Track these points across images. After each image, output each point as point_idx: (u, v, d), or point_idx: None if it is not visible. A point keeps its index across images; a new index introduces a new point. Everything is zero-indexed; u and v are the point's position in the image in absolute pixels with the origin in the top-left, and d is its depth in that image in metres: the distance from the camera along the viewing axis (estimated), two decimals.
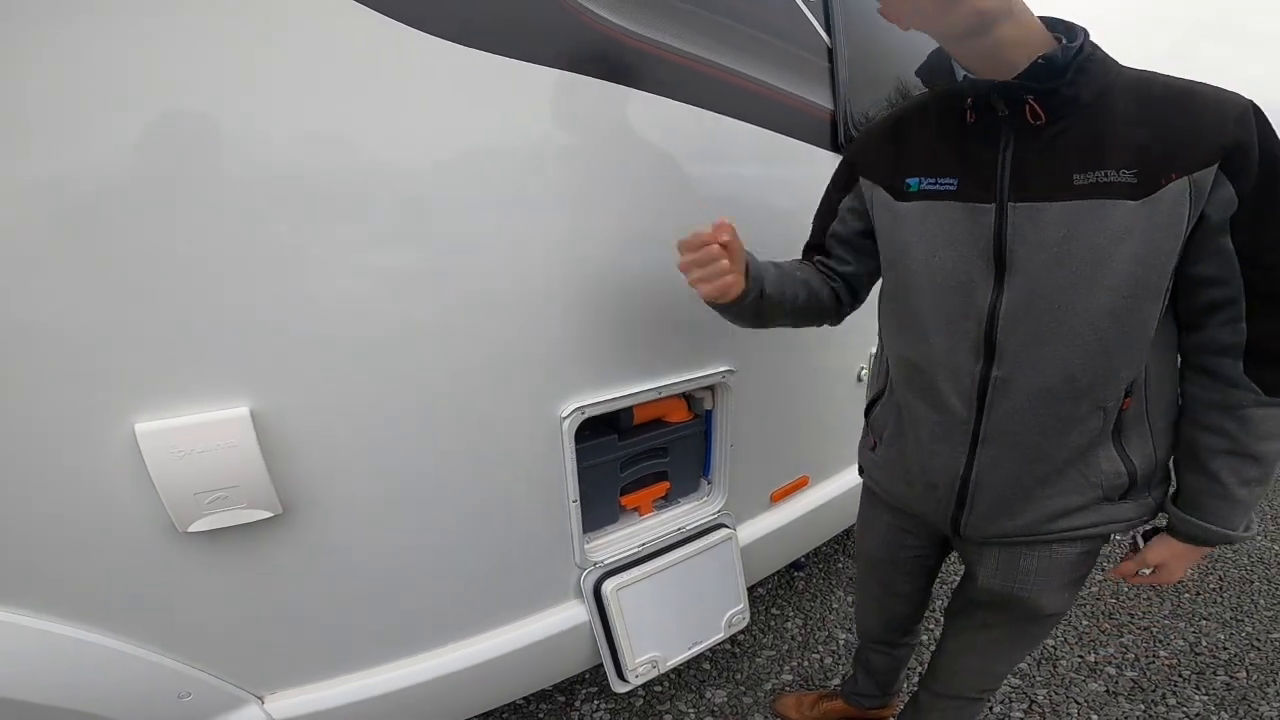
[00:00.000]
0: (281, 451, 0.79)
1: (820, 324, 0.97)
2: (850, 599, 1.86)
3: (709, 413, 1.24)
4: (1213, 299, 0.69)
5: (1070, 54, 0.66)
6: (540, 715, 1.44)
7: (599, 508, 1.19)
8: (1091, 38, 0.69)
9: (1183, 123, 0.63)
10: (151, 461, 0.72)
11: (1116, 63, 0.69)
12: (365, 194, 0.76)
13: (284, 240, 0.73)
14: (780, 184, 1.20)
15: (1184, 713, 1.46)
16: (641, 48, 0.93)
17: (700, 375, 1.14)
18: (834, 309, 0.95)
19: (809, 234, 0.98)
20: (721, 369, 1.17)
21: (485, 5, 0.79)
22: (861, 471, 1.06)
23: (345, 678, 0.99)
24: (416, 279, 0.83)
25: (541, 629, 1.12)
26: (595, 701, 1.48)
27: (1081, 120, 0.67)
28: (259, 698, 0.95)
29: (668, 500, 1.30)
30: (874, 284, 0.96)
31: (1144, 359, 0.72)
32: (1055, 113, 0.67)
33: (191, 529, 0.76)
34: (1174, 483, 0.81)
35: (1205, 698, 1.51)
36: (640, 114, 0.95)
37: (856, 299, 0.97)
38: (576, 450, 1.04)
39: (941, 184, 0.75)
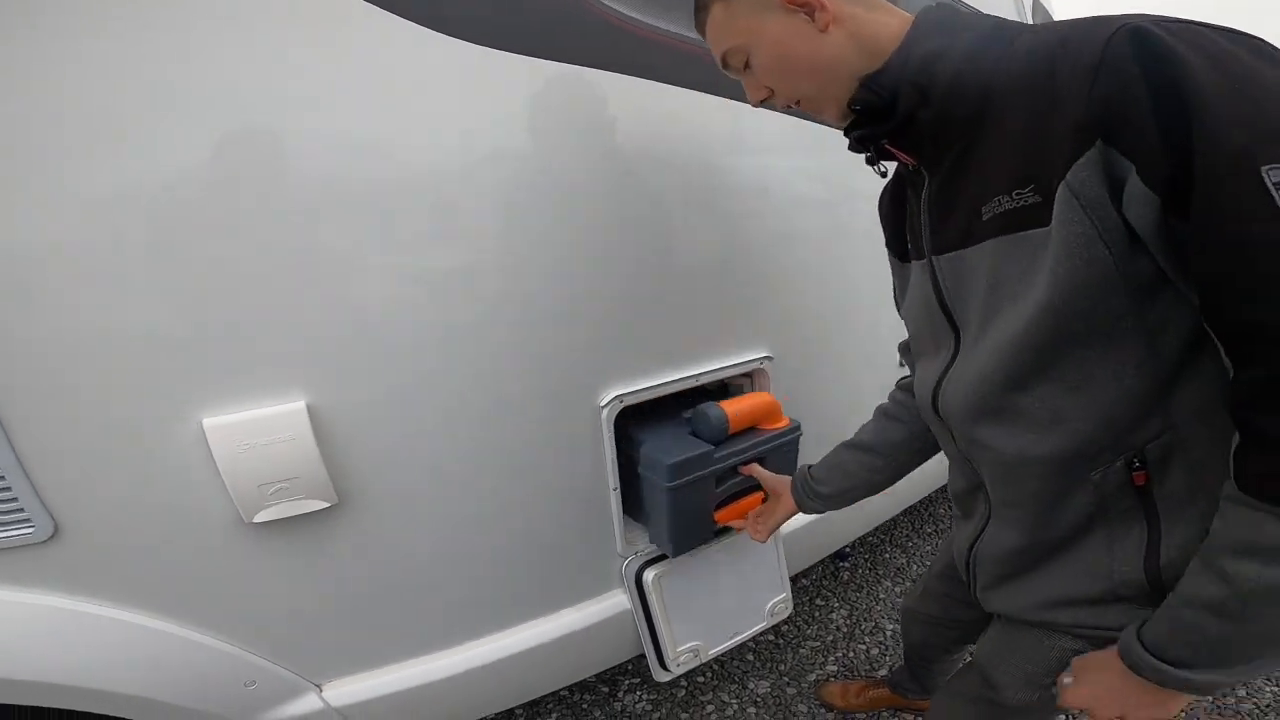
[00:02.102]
0: (336, 444, 0.82)
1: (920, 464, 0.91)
2: (897, 589, 1.84)
3: None
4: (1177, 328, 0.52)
5: (898, 69, 0.54)
6: (584, 705, 1.46)
7: (691, 527, 1.10)
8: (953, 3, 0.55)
9: (1039, 106, 0.47)
10: (219, 454, 0.75)
11: (1010, 32, 0.52)
12: (402, 198, 0.79)
13: (331, 245, 0.76)
14: (810, 172, 1.20)
15: None
16: (661, 40, 0.94)
17: (738, 363, 1.14)
18: (921, 446, 0.88)
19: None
20: (759, 356, 1.17)
21: (506, 7, 0.81)
22: None
23: (398, 665, 1.02)
24: (454, 278, 0.85)
25: (585, 617, 1.14)
26: (638, 692, 1.49)
27: (978, 133, 0.52)
28: (317, 685, 0.98)
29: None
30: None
31: (1146, 420, 0.52)
32: (938, 140, 0.55)
33: (256, 519, 0.80)
34: None
35: None
36: (664, 106, 0.97)
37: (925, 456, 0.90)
38: (667, 466, 1.02)
39: (898, 244, 0.72)
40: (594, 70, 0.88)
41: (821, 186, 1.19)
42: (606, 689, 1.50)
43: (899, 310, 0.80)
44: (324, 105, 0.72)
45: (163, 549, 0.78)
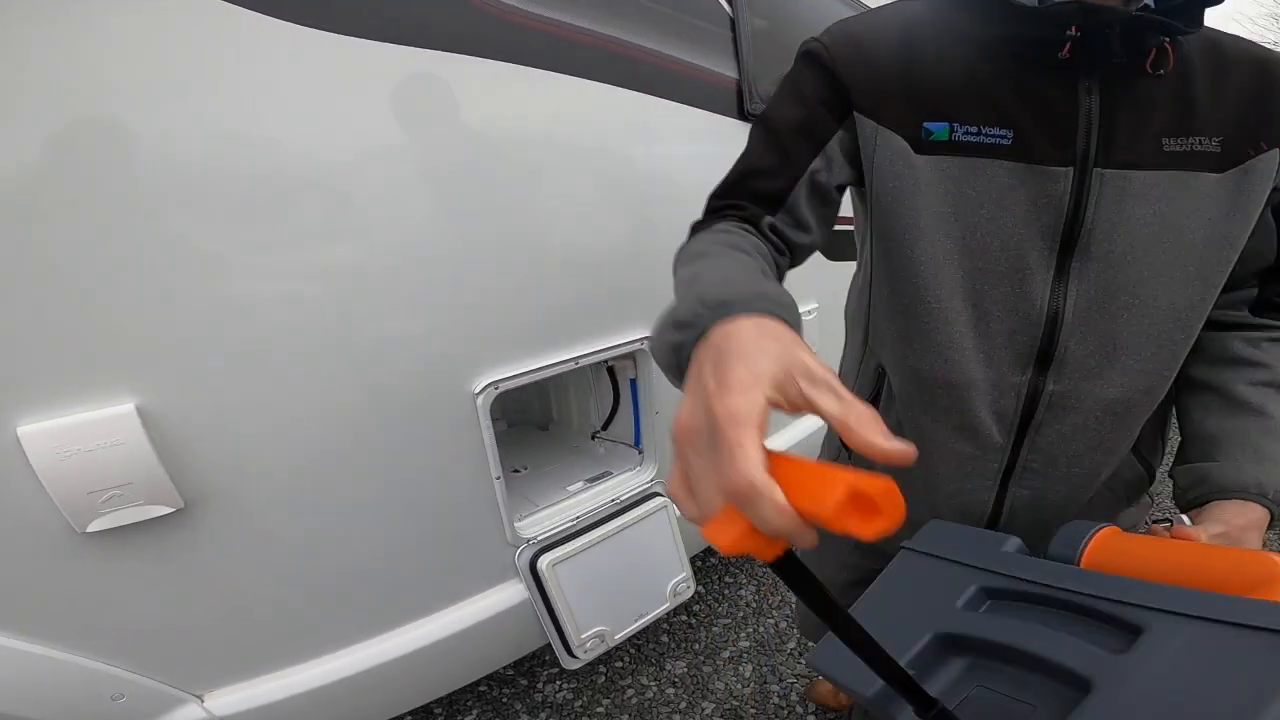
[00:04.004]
0: (179, 446, 0.80)
1: None
2: None
3: (633, 381, 1.25)
4: (1244, 270, 0.60)
5: None
6: (504, 699, 1.46)
7: None
8: None
9: (1269, 89, 0.54)
10: (38, 464, 0.72)
11: None
12: (247, 187, 0.77)
13: (166, 238, 0.73)
14: (688, 156, 1.22)
15: None
16: (532, 25, 0.95)
17: (617, 344, 1.15)
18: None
19: (749, 177, 0.62)
20: (640, 336, 1.18)
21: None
22: None
23: (285, 671, 1.00)
24: (308, 267, 0.83)
25: (482, 609, 1.13)
26: (558, 682, 1.49)
27: (1172, 74, 0.54)
28: (198, 696, 0.95)
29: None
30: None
31: None
32: (1165, 61, 0.53)
33: (90, 529, 0.77)
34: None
35: None
36: (536, 91, 0.97)
37: (796, 263, 0.68)
38: None
39: (988, 135, 0.55)
40: (463, 56, 0.88)
41: (702, 169, 1.21)
42: (526, 681, 1.50)
43: (894, 209, 0.59)
44: (160, 95, 0.70)
45: None
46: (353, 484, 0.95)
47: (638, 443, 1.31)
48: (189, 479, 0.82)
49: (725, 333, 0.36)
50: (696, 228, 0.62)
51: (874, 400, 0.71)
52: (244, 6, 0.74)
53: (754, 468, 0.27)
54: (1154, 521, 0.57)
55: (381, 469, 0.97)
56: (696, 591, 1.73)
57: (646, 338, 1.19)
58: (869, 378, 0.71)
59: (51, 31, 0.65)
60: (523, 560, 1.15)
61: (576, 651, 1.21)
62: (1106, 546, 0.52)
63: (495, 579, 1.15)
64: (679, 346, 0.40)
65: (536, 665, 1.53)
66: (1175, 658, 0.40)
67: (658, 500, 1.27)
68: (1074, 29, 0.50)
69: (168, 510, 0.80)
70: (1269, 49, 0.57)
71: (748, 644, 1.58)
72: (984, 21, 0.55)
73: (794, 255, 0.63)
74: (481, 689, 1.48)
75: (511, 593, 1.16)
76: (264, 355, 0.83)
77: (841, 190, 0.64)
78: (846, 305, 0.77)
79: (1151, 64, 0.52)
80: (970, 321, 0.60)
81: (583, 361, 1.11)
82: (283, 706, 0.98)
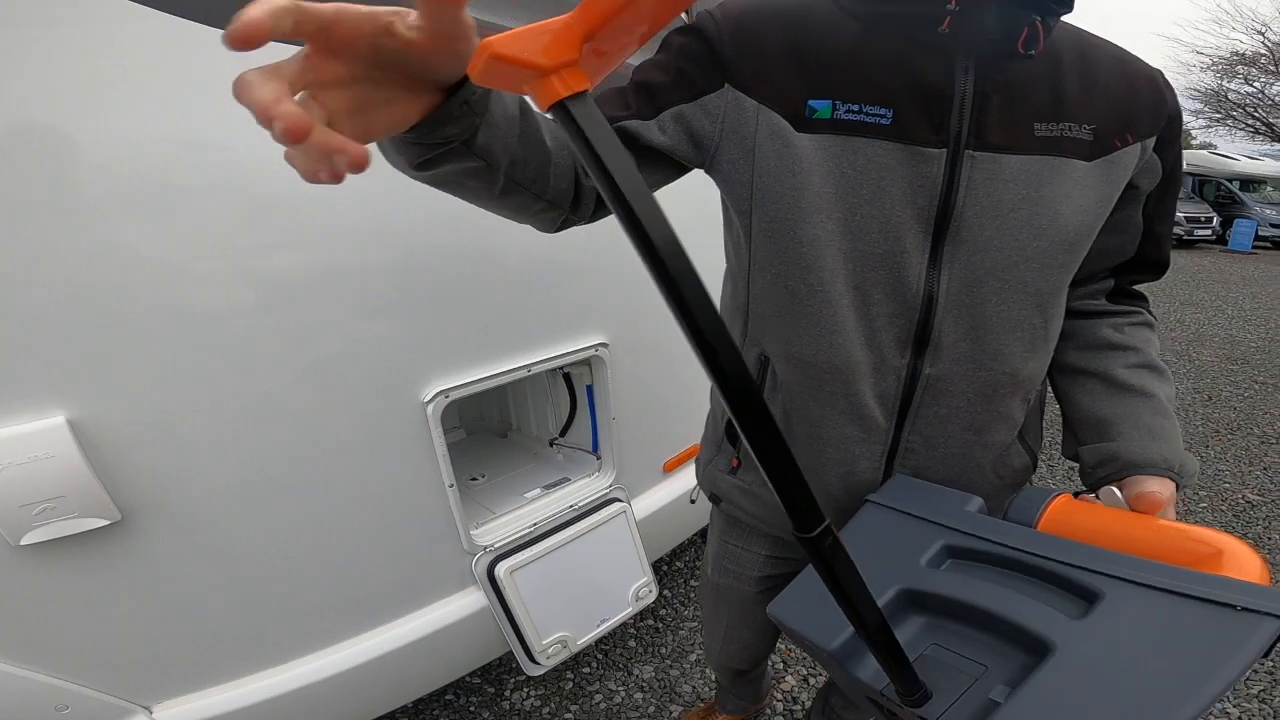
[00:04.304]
0: (116, 458, 0.79)
1: (525, 218, 0.59)
2: None
3: (589, 388, 1.25)
4: (1103, 265, 0.65)
5: None
6: (471, 708, 1.45)
7: None
8: None
9: (1135, 81, 0.57)
10: None
11: None
12: (178, 191, 0.77)
13: (92, 244, 0.73)
14: None
15: None
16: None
17: (572, 351, 1.16)
18: (561, 207, 0.58)
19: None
20: (594, 343, 1.18)
21: None
22: (717, 500, 0.84)
23: (236, 682, 0.99)
24: (255, 275, 0.83)
25: (440, 617, 1.13)
26: (525, 690, 1.49)
27: (1042, 59, 0.55)
28: (146, 708, 0.95)
29: None
30: (608, 212, 0.59)
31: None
32: (1036, 42, 0.53)
33: (25, 542, 0.77)
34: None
35: None
36: None
37: (585, 214, 0.61)
38: None
39: (869, 113, 0.54)
40: None
41: None
42: (493, 689, 1.49)
43: (774, 189, 0.58)
44: (91, 99, 0.70)
45: None
46: (300, 494, 0.95)
47: (595, 449, 1.31)
48: (126, 491, 0.81)
49: None
50: None
51: (759, 389, 0.69)
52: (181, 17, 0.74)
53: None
54: (1076, 495, 0.58)
55: (330, 479, 0.97)
56: (662, 596, 1.74)
57: (602, 344, 1.20)
58: (752, 368, 0.70)
59: None
60: (480, 567, 1.15)
61: (539, 658, 1.21)
62: (1063, 511, 0.54)
63: (453, 587, 1.15)
64: None
65: (504, 673, 1.53)
66: (1131, 625, 0.42)
67: (616, 506, 1.27)
68: (953, 2, 0.50)
69: (104, 522, 0.80)
70: (1127, 50, 0.59)
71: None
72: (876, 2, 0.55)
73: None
74: (448, 698, 1.47)
75: (470, 600, 1.15)
76: (203, 367, 0.82)
77: (670, 156, 0.60)
78: (721, 299, 0.75)
79: (1024, 43, 0.52)
80: (853, 305, 0.60)
81: (535, 369, 1.11)
82: (234, 718, 0.97)
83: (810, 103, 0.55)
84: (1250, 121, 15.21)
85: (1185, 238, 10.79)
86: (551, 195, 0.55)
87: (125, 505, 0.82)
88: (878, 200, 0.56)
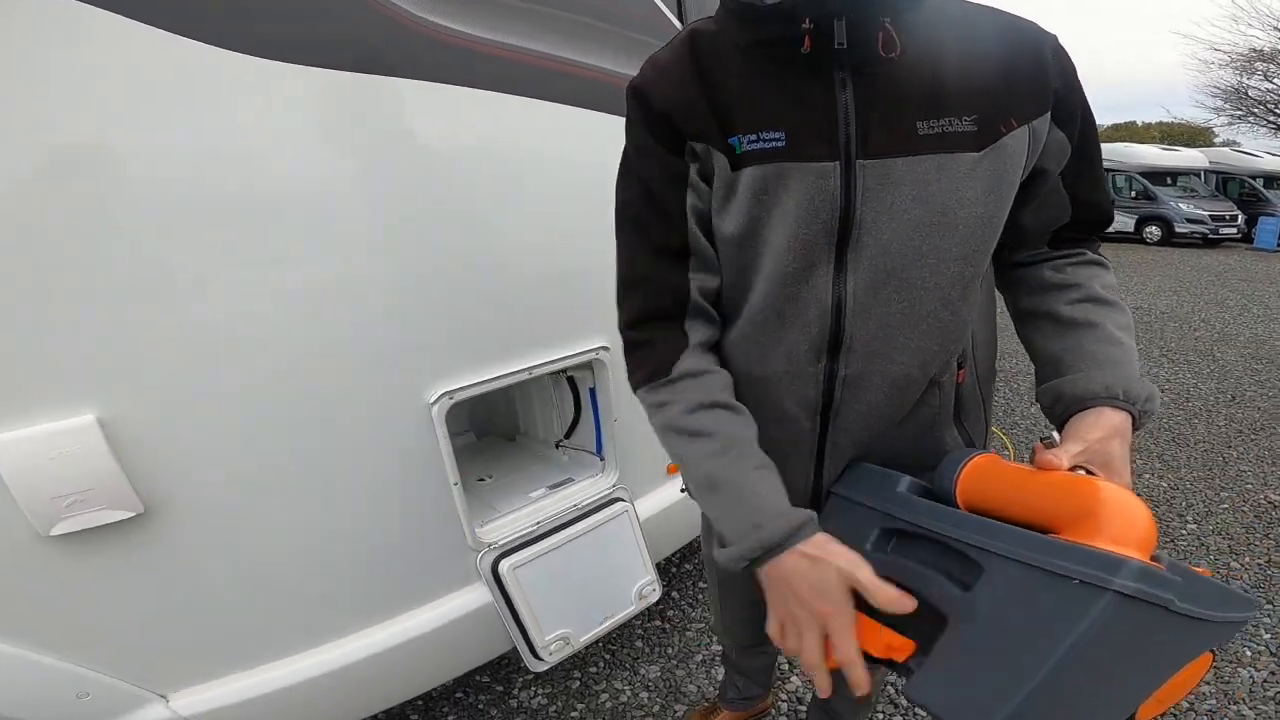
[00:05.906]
0: (140, 454, 0.84)
1: None
2: None
3: (592, 390, 1.28)
4: (1041, 236, 0.66)
5: None
6: (480, 705, 1.48)
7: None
8: None
9: (1013, 62, 0.56)
10: (3, 471, 0.77)
11: None
12: (206, 201, 0.82)
13: (130, 253, 0.78)
14: None
15: None
16: (467, 45, 0.99)
17: (574, 354, 1.19)
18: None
19: (647, 257, 0.65)
20: (595, 346, 1.22)
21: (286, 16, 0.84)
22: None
23: (250, 672, 1.02)
24: (268, 279, 0.88)
25: (447, 612, 1.16)
26: (533, 688, 1.51)
27: (916, 54, 0.55)
28: (163, 696, 0.98)
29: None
30: None
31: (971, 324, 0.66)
32: (899, 43, 0.54)
33: (54, 532, 0.81)
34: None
35: None
36: (483, 107, 1.02)
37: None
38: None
39: (766, 140, 0.57)
40: (402, 80, 0.93)
41: None
42: (501, 688, 1.52)
43: (721, 227, 0.62)
44: (120, 114, 0.75)
45: None
46: (311, 490, 0.99)
47: (599, 450, 1.34)
48: (150, 486, 0.86)
49: (784, 571, 0.55)
50: (655, 372, 0.64)
51: None
52: (197, 40, 0.79)
53: (853, 652, 0.51)
54: (1040, 439, 0.59)
55: (339, 476, 1.00)
56: (670, 597, 1.75)
57: (603, 348, 1.23)
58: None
59: None
60: (484, 564, 1.18)
61: (541, 654, 1.23)
62: (976, 475, 0.56)
63: (459, 583, 1.18)
64: (738, 562, 0.57)
65: (512, 672, 1.55)
66: (1000, 600, 0.45)
67: (619, 505, 1.30)
68: (807, 21, 0.52)
69: (128, 514, 0.85)
70: (1022, 19, 0.58)
71: (720, 648, 1.58)
72: (740, 28, 0.57)
73: (715, 300, 0.67)
74: (458, 695, 1.50)
75: (475, 596, 1.18)
76: (222, 370, 0.87)
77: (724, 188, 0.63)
78: None
79: (883, 46, 0.53)
80: (774, 320, 0.63)
81: (537, 371, 1.15)
82: (248, 706, 1.00)
83: (729, 140, 0.58)
84: (1271, 118, 14.88)
85: (1210, 236, 10.59)
86: None
87: (148, 499, 0.86)
88: (786, 220, 0.58)
